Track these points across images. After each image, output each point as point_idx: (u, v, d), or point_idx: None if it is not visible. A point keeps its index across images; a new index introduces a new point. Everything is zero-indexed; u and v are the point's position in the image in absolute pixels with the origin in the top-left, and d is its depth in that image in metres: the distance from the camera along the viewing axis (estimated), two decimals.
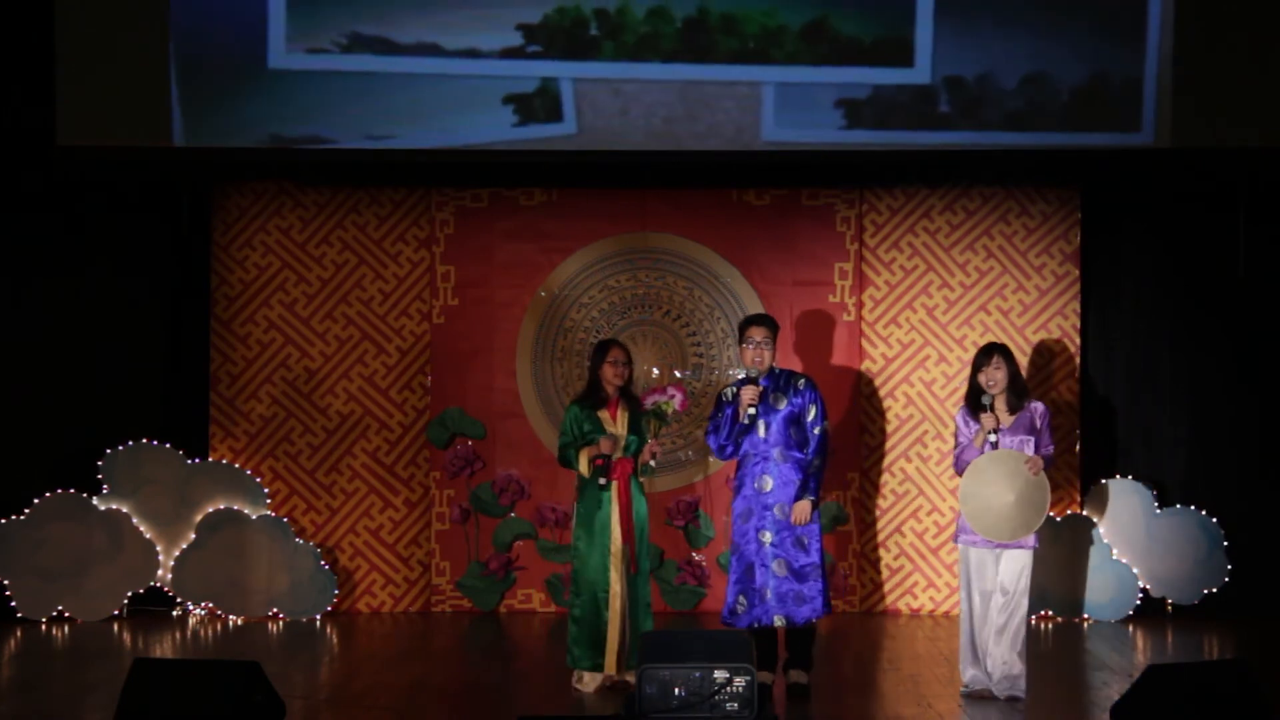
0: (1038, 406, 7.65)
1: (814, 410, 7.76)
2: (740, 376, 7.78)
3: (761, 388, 7.69)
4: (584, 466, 7.76)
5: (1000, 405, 7.60)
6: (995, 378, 7.58)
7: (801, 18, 9.47)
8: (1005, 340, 10.21)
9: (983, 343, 10.12)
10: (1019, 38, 9.46)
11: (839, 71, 9.52)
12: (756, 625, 7.63)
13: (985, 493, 7.47)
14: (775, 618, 7.63)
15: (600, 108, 9.56)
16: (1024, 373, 10.23)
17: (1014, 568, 7.54)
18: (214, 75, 9.54)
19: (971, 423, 7.62)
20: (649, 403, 7.91)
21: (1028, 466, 7.47)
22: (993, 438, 7.48)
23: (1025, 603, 7.56)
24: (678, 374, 10.17)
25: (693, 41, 9.49)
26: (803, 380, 7.80)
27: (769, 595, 7.64)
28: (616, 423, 7.80)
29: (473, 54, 9.47)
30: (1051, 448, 7.64)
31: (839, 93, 9.55)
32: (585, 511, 7.79)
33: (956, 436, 7.72)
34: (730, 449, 7.76)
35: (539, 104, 9.56)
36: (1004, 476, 7.46)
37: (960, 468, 7.65)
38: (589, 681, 7.73)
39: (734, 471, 7.90)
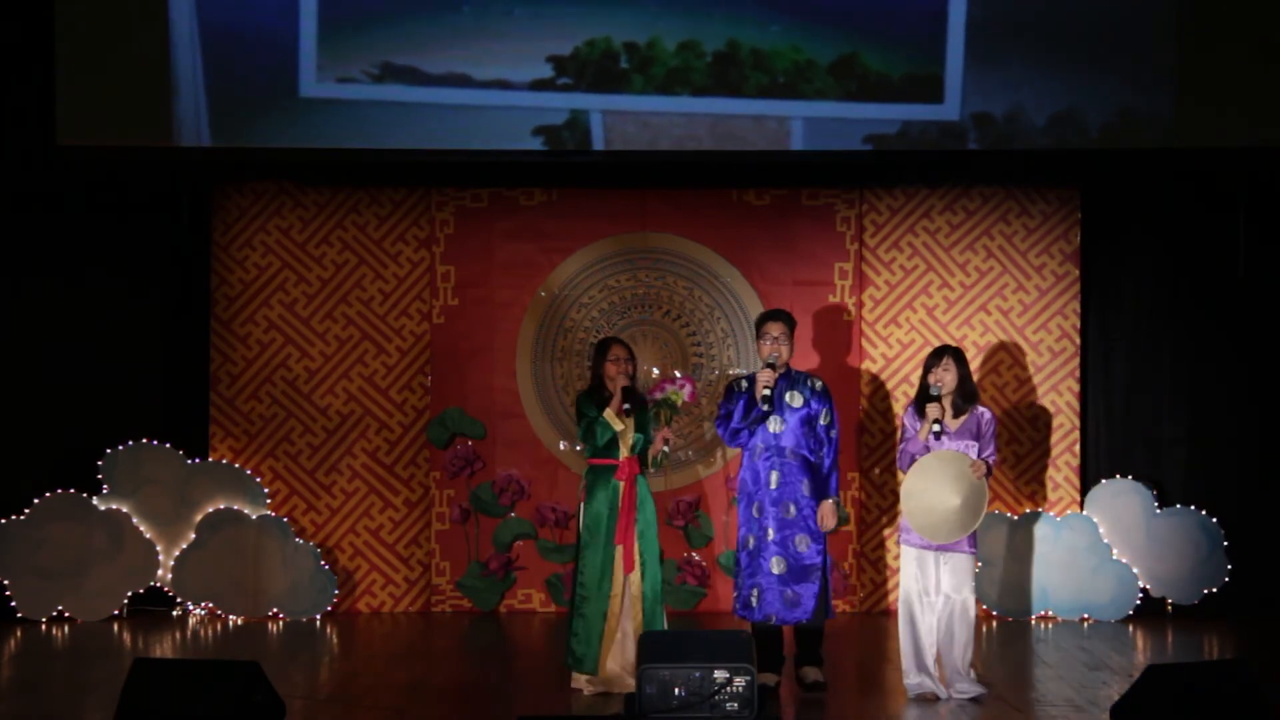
0: (984, 413, 7.61)
1: (829, 415, 7.79)
2: (742, 375, 7.79)
3: (777, 374, 7.70)
4: (613, 418, 7.68)
5: (945, 405, 7.59)
6: (944, 379, 7.57)
7: (831, 53, 9.50)
8: (1005, 340, 10.23)
9: (983, 342, 10.18)
10: (1049, 75, 9.47)
11: (867, 107, 9.54)
12: (766, 621, 7.65)
13: (929, 491, 7.42)
14: (769, 615, 7.65)
15: (629, 140, 9.59)
16: (1024, 373, 10.25)
17: (959, 574, 7.52)
18: (246, 103, 9.56)
19: (918, 420, 7.62)
20: (658, 393, 7.90)
21: (972, 469, 7.45)
22: (936, 428, 7.46)
23: (973, 609, 7.56)
24: (677, 374, 10.16)
25: (722, 75, 9.52)
26: (819, 384, 7.84)
27: (765, 593, 7.66)
28: (621, 418, 7.75)
29: (503, 85, 9.50)
30: (994, 456, 7.58)
31: (867, 128, 9.57)
32: (593, 513, 7.74)
33: (903, 434, 7.71)
34: (745, 435, 7.75)
35: (568, 135, 9.57)
36: (951, 478, 7.41)
37: (903, 462, 7.62)
38: (585, 684, 7.70)
39: (736, 469, 7.90)
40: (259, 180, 10.31)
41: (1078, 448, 10.28)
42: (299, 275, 10.35)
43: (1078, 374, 10.30)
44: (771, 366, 7.70)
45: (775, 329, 7.77)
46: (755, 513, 7.73)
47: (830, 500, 7.74)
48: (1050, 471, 10.25)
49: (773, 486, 7.70)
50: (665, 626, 7.75)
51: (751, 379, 7.81)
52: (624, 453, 7.74)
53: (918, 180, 10.27)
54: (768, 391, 7.64)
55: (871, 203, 10.35)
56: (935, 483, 7.42)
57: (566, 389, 10.27)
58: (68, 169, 9.87)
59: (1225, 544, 10.02)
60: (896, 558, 10.26)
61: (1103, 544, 10.03)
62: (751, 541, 7.73)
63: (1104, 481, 10.16)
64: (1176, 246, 10.31)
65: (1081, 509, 10.18)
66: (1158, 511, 10.07)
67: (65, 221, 10.14)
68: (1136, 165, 9.89)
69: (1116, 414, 10.35)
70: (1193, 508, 10.08)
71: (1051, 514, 10.13)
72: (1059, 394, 10.28)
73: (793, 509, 7.69)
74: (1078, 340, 10.31)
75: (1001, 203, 10.37)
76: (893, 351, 10.31)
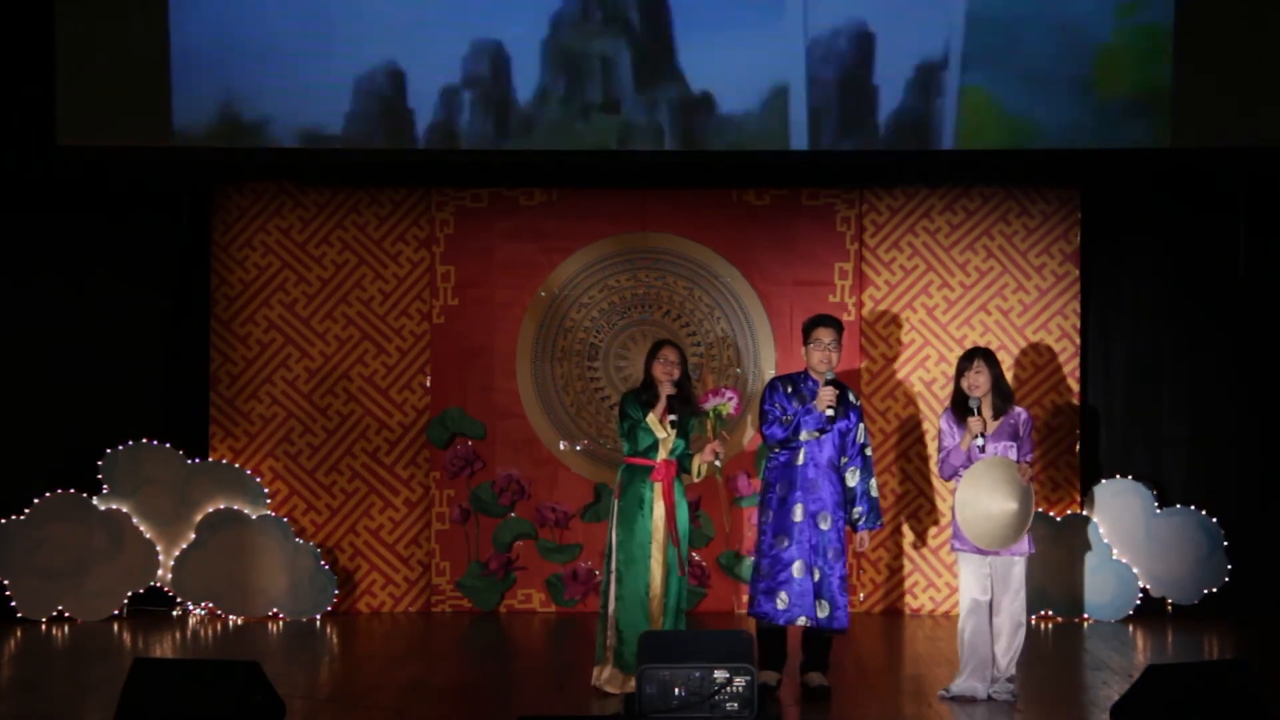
0: (1021, 413, 7.59)
1: (864, 432, 7.83)
2: (787, 376, 7.81)
3: (838, 391, 7.70)
4: (656, 424, 7.65)
5: (985, 409, 7.57)
6: (978, 382, 7.54)
7: None
8: (1005, 340, 10.23)
9: (982, 343, 10.17)
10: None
11: None
12: (793, 623, 7.65)
13: (983, 501, 7.38)
14: (801, 619, 7.63)
15: None
16: (1024, 372, 10.25)
17: (1018, 575, 7.53)
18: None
19: (956, 426, 7.57)
20: (707, 404, 7.87)
21: (1019, 473, 7.44)
22: (979, 441, 7.43)
23: (1023, 615, 7.57)
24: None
25: None
26: (855, 398, 7.88)
27: (793, 595, 7.64)
28: (664, 425, 7.72)
29: None
30: (1031, 456, 7.60)
31: None
32: (627, 510, 7.69)
33: (940, 440, 7.67)
34: (797, 444, 7.72)
35: None
36: (1004, 483, 7.38)
37: (946, 472, 7.60)
38: (615, 681, 7.61)
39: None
40: (259, 180, 10.31)
41: (1078, 448, 10.28)
42: (299, 275, 10.35)
43: (1078, 374, 10.30)
44: (833, 383, 7.69)
45: (826, 336, 7.75)
46: (794, 517, 7.70)
47: (868, 534, 7.81)
48: (1050, 471, 10.25)
49: (811, 493, 7.69)
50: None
51: (795, 383, 7.80)
52: (662, 455, 7.72)
53: (918, 180, 10.27)
54: (831, 412, 7.64)
55: (871, 203, 10.35)
56: (988, 490, 7.38)
57: (566, 389, 10.27)
58: (68, 169, 9.87)
59: (1225, 544, 10.02)
60: (897, 558, 10.27)
61: (1103, 544, 10.03)
62: (785, 543, 7.70)
63: (1104, 481, 10.16)
64: (1176, 246, 10.31)
65: (1081, 509, 10.18)
66: (1158, 511, 10.07)
67: (65, 221, 10.14)
68: (1136, 165, 9.88)
69: (1116, 414, 10.35)
70: (1193, 508, 10.09)
71: (1051, 514, 10.13)
72: (1059, 394, 10.28)
73: (827, 520, 7.69)
74: (1078, 340, 10.31)
75: (1001, 203, 10.37)
76: (893, 351, 10.31)
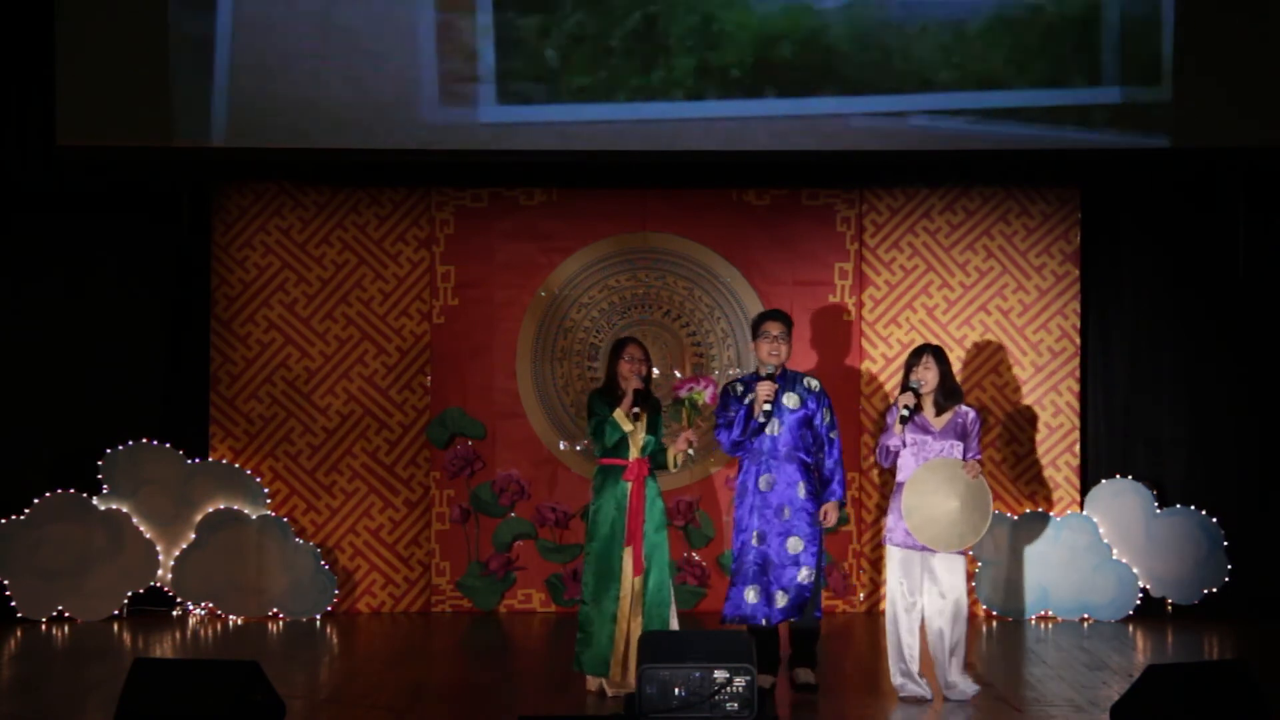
0: (968, 412, 7.59)
1: (829, 415, 7.80)
2: (741, 375, 7.77)
3: (776, 385, 7.69)
4: (624, 420, 7.65)
5: (927, 405, 7.59)
6: (925, 377, 7.57)
7: None
8: (1005, 340, 10.23)
9: (983, 342, 10.19)
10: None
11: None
12: (759, 622, 7.65)
13: (927, 503, 7.41)
14: (758, 617, 7.64)
15: None
16: (1024, 373, 10.25)
17: (955, 573, 7.52)
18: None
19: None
20: (682, 391, 7.86)
21: (965, 470, 7.44)
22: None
23: (966, 611, 7.56)
24: (677, 373, 10.16)
25: None
26: (816, 384, 7.83)
27: (754, 594, 7.65)
28: (630, 423, 7.71)
29: None
30: (980, 454, 7.58)
31: None
32: (602, 511, 7.70)
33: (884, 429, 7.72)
34: (746, 445, 7.74)
35: None
36: (944, 483, 7.41)
37: (881, 454, 7.62)
38: (604, 685, 7.63)
39: (735, 471, 7.90)
40: (259, 180, 10.31)
41: (1078, 448, 10.28)
42: (299, 275, 10.35)
43: (1078, 374, 10.30)
44: (770, 378, 7.68)
45: (775, 329, 7.75)
46: (748, 516, 7.72)
47: (835, 503, 7.75)
48: (1050, 471, 10.25)
49: (765, 490, 7.69)
50: (677, 628, 7.72)
51: (748, 383, 7.79)
52: (634, 453, 7.70)
53: (918, 180, 10.27)
54: (768, 407, 7.63)
55: (871, 203, 10.35)
56: (930, 492, 7.43)
57: (566, 389, 10.27)
58: (68, 169, 9.87)
59: (1225, 544, 10.02)
60: None
61: (1103, 544, 10.03)
62: (742, 545, 7.73)
63: (1104, 481, 10.16)
64: (1176, 246, 10.31)
65: (1081, 509, 10.18)
66: (1158, 511, 10.07)
67: (65, 221, 10.14)
68: (1136, 165, 9.88)
69: (1116, 414, 10.35)
70: (1193, 508, 10.08)
71: (1051, 514, 10.13)
72: (1059, 394, 10.28)
73: (787, 511, 7.68)
74: (1078, 340, 10.31)
75: (1001, 203, 10.37)
76: (893, 351, 10.31)
